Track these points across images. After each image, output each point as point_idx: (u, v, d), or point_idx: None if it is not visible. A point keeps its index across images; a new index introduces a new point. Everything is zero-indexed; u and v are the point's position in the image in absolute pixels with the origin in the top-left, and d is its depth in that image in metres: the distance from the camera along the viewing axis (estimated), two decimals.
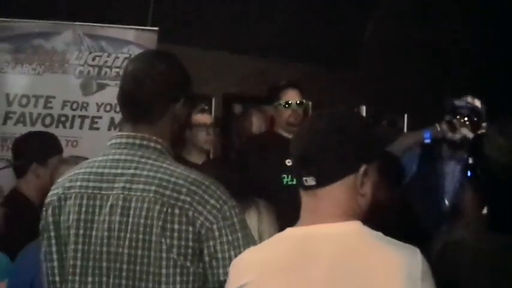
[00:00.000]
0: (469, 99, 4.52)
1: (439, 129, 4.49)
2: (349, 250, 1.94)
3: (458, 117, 4.44)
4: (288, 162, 4.57)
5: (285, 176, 4.68)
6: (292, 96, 4.93)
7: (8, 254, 3.42)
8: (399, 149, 4.48)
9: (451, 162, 4.56)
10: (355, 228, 1.99)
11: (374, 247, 1.94)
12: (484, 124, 4.36)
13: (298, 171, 2.05)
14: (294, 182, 4.47)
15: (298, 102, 4.92)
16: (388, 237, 1.97)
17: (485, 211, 2.64)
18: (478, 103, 4.51)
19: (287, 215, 2.23)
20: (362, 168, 2.01)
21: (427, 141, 4.49)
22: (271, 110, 5.05)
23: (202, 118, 4.96)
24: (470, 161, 3.54)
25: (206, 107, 5.23)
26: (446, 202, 4.49)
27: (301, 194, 2.06)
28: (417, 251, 1.94)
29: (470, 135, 4.32)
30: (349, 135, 2.03)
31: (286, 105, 4.90)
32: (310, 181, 2.00)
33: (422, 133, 4.54)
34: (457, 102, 4.50)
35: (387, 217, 2.03)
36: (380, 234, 1.98)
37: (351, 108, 5.34)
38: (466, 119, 4.42)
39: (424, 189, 4.59)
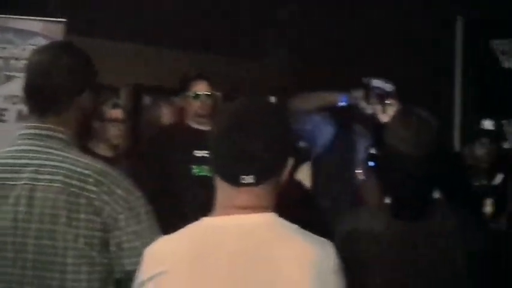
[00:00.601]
0: (385, 81, 4.47)
1: (353, 95, 4.33)
2: (257, 241, 1.91)
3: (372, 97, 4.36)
4: (197, 153, 4.60)
5: (193, 166, 4.70)
6: (201, 88, 4.94)
7: None
8: (310, 108, 4.35)
9: (363, 139, 4.55)
10: (268, 219, 1.95)
11: (284, 239, 1.91)
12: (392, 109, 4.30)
13: (232, 168, 1.93)
14: (204, 173, 4.54)
15: (207, 93, 4.94)
16: (302, 230, 1.95)
17: (387, 199, 2.72)
18: (392, 87, 4.48)
19: (196, 206, 2.24)
20: (290, 161, 2.00)
21: (343, 104, 4.35)
22: (181, 101, 5.07)
23: (114, 113, 4.92)
24: (372, 150, 3.62)
25: (119, 102, 5.21)
26: (360, 177, 4.49)
27: (222, 186, 1.97)
28: (329, 244, 1.94)
29: (381, 116, 4.25)
30: (286, 130, 1.99)
31: (195, 97, 4.92)
32: (249, 179, 1.91)
33: (337, 96, 4.36)
34: (374, 82, 4.46)
35: (289, 205, 2.05)
36: (294, 226, 1.95)
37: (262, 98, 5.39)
38: (379, 100, 4.37)
39: (339, 165, 4.59)
